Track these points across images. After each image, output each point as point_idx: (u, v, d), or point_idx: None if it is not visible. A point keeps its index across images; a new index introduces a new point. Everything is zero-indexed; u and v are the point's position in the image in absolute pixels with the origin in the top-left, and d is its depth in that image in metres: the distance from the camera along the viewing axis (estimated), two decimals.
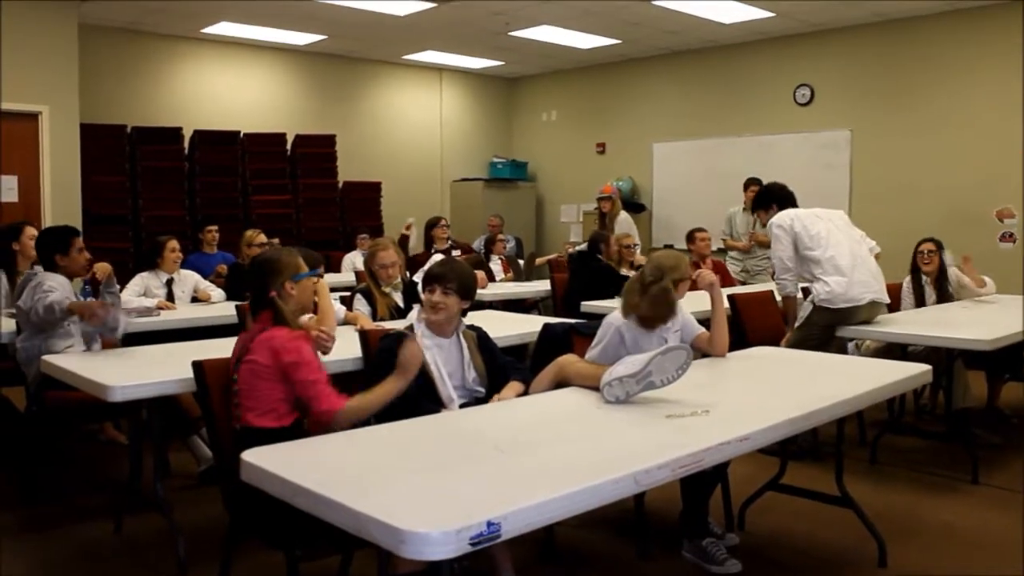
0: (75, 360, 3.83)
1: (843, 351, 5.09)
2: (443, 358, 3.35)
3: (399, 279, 4.94)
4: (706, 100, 10.64)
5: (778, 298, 5.38)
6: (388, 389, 2.83)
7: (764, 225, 5.36)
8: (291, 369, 2.82)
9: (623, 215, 8.63)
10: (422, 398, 3.16)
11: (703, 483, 3.49)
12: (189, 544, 3.53)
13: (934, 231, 6.22)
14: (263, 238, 6.69)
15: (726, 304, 5.14)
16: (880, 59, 9.17)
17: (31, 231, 5.22)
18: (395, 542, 1.76)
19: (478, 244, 9.64)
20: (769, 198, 5.30)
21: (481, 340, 3.54)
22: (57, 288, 4.18)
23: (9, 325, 4.61)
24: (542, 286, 7.66)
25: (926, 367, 3.58)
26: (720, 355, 3.71)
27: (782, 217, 5.00)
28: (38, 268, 4.46)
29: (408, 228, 9.14)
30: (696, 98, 10.75)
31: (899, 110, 9.02)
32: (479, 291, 6.62)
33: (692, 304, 3.86)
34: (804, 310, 4.90)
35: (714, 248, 7.77)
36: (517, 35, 9.78)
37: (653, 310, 3.49)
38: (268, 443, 2.40)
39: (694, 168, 10.74)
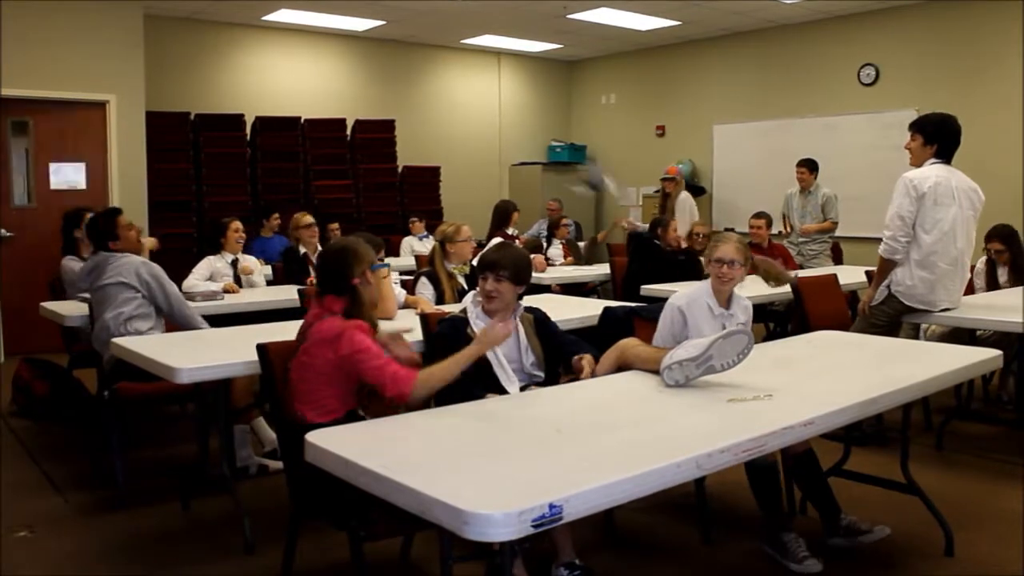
0: (144, 342, 3.91)
1: (915, 335, 4.98)
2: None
3: (467, 262, 4.95)
4: (768, 81, 10.47)
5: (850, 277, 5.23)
6: (462, 356, 2.83)
7: (910, 150, 4.73)
8: (353, 361, 2.80)
9: (683, 196, 8.54)
10: (478, 384, 3.14)
11: (768, 475, 3.41)
12: (255, 523, 3.61)
13: (1004, 215, 6.07)
14: (308, 219, 6.77)
15: (788, 289, 5.15)
16: (948, 37, 8.91)
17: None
18: (459, 523, 1.78)
19: (537, 228, 9.65)
20: (934, 132, 4.64)
21: (539, 323, 3.50)
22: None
23: (81, 309, 4.73)
24: (601, 270, 7.66)
25: (996, 352, 3.50)
26: None
27: (922, 179, 4.53)
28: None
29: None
30: (758, 79, 10.58)
31: (967, 89, 8.76)
32: (538, 274, 6.70)
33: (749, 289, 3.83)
34: (880, 293, 4.73)
35: (776, 231, 7.67)
36: (576, 18, 9.71)
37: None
38: None
39: (756, 150, 10.58)
